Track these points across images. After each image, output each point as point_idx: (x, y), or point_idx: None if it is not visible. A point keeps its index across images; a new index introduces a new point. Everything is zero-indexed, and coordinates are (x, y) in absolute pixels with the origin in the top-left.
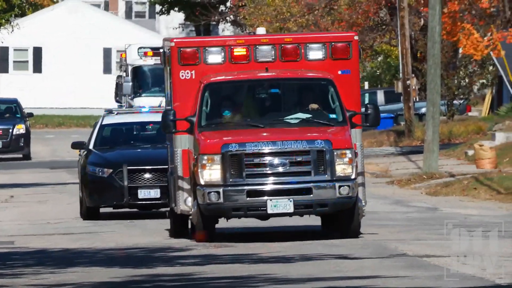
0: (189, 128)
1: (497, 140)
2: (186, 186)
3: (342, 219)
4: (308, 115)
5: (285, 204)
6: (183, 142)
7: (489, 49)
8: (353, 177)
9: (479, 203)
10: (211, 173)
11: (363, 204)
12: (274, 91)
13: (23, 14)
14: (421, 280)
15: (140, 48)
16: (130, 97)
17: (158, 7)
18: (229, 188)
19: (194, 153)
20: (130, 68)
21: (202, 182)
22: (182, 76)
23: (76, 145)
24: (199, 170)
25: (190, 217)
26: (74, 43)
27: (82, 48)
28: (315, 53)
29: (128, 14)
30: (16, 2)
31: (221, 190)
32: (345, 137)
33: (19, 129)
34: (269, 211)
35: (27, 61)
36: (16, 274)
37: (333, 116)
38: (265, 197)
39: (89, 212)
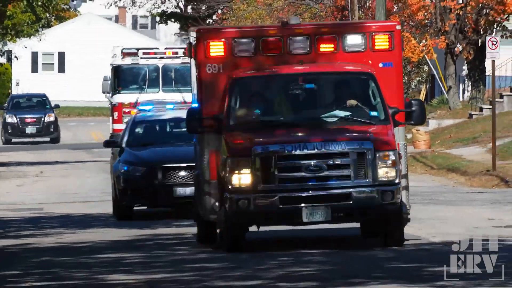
0: (216, 128)
1: (431, 126)
2: (214, 190)
3: (384, 226)
4: (347, 113)
5: (322, 212)
6: (210, 142)
7: (424, 53)
8: (396, 181)
9: (416, 176)
10: (240, 177)
11: (407, 208)
12: (310, 86)
13: (49, 25)
14: None
15: (123, 49)
16: (109, 94)
17: (158, 18)
18: (260, 194)
19: (222, 155)
20: (111, 67)
21: (230, 188)
22: (209, 70)
23: (108, 144)
24: (227, 175)
25: (217, 225)
26: (90, 48)
27: (97, 52)
28: (354, 44)
29: (134, 26)
30: (43, 16)
31: (251, 196)
32: (388, 137)
33: (50, 117)
34: (304, 219)
35: (53, 63)
36: (45, 234)
37: (374, 113)
38: (300, 204)
39: (123, 211)
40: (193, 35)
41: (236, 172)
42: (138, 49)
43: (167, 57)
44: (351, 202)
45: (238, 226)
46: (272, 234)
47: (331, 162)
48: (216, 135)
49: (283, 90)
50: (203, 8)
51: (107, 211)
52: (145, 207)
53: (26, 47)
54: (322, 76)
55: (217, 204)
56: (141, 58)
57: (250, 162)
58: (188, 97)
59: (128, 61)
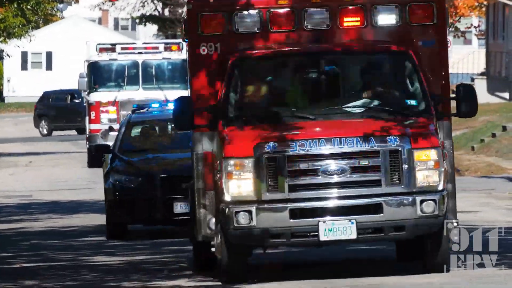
0: (211, 122)
1: None
2: (209, 202)
3: (425, 245)
4: (376, 102)
5: (345, 228)
6: (204, 141)
7: None
8: (440, 187)
9: None
10: (240, 184)
11: (455, 225)
12: (330, 68)
13: (38, 27)
14: None
15: (98, 44)
16: (86, 92)
17: (137, 21)
18: (266, 206)
19: (218, 156)
20: (86, 64)
21: (227, 198)
22: (204, 50)
23: (99, 148)
24: (223, 181)
25: (213, 249)
26: (76, 48)
27: (82, 51)
28: (387, 16)
29: (116, 27)
30: (32, 18)
31: (253, 208)
32: (429, 131)
33: None
34: (322, 237)
35: (41, 62)
36: (34, 219)
37: (411, 102)
38: (317, 218)
39: (114, 229)
40: (186, 7)
41: (235, 177)
42: (115, 44)
43: (146, 52)
44: (382, 214)
45: (238, 249)
46: (289, 254)
47: (357, 164)
48: (212, 131)
49: (296, 74)
50: (180, 11)
51: (93, 198)
52: (139, 225)
53: (18, 46)
54: (345, 56)
55: (213, 220)
56: (119, 53)
57: (253, 164)
58: (170, 95)
59: (105, 56)
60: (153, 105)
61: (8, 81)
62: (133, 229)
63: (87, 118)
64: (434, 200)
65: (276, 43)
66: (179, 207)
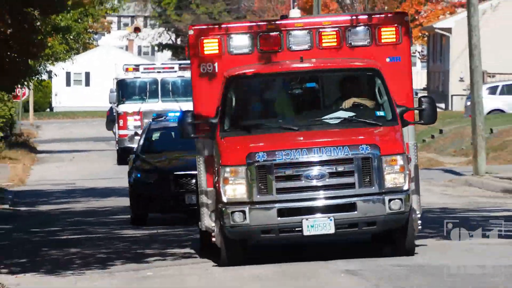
0: (210, 133)
1: None
2: (210, 200)
3: (393, 236)
4: (351, 114)
5: (325, 224)
6: (206, 148)
7: None
8: (405, 188)
9: None
10: (235, 188)
11: (418, 215)
12: (311, 85)
13: (78, 53)
14: None
15: (124, 65)
16: (115, 104)
17: (156, 48)
18: (257, 206)
19: (216, 163)
20: (115, 81)
21: (224, 200)
22: (204, 69)
23: (124, 150)
24: (221, 185)
25: (213, 239)
26: (107, 69)
27: (112, 71)
28: (359, 38)
29: (139, 53)
30: (74, 46)
31: (247, 208)
32: (395, 139)
33: None
34: (305, 232)
35: (81, 80)
36: (76, 201)
37: (380, 113)
38: (300, 216)
39: (136, 218)
40: (188, 32)
41: (231, 182)
42: (139, 65)
43: (164, 72)
44: (356, 212)
45: (234, 241)
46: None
47: (334, 169)
48: (211, 140)
49: (282, 90)
50: None
51: (121, 185)
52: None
53: (63, 68)
54: (324, 74)
55: (214, 214)
56: (142, 72)
57: (246, 171)
58: (185, 106)
59: (130, 75)
60: (169, 114)
61: (56, 95)
62: (152, 217)
63: (116, 125)
64: (400, 199)
65: (265, 62)
66: (190, 199)
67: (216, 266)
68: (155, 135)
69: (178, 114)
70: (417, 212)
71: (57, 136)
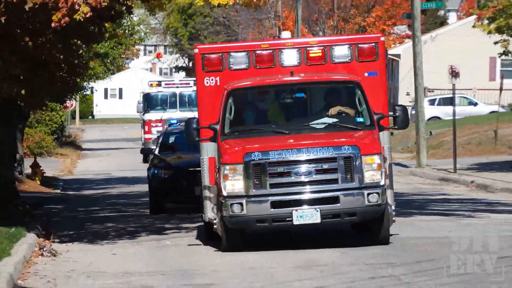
0: (213, 136)
1: None
2: (212, 194)
3: (371, 226)
4: (335, 120)
5: (312, 214)
6: (209, 150)
7: None
8: (382, 183)
9: None
10: (234, 183)
11: (392, 208)
12: (300, 95)
13: (114, 73)
14: None
15: (148, 81)
16: (141, 114)
17: (173, 70)
18: (253, 199)
19: (217, 162)
20: (141, 94)
21: (224, 193)
22: (207, 83)
23: (144, 150)
24: (221, 181)
25: (215, 227)
26: (136, 85)
27: (139, 87)
28: (341, 55)
29: (160, 73)
30: (111, 68)
31: (244, 201)
32: (373, 141)
33: None
34: (295, 222)
35: (116, 94)
36: (111, 187)
37: (360, 119)
38: (290, 208)
39: (155, 208)
40: (194, 51)
41: (230, 178)
42: (161, 81)
43: (181, 86)
44: (339, 204)
45: (233, 230)
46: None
47: (320, 167)
48: (213, 142)
49: (275, 100)
50: None
51: (146, 175)
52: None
53: (102, 85)
54: (311, 86)
55: (215, 207)
56: (163, 87)
57: (243, 168)
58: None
59: (154, 89)
60: (172, 120)
61: (96, 105)
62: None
63: (142, 130)
64: (377, 193)
65: (260, 76)
66: (199, 191)
67: (217, 251)
68: (171, 138)
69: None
70: (391, 206)
71: (97, 137)
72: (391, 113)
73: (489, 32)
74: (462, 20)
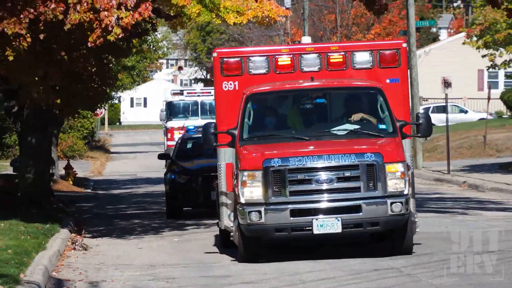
0: (231, 142)
1: None
2: (229, 201)
3: (393, 236)
4: (356, 126)
5: (333, 224)
6: (226, 155)
7: None
8: (405, 192)
9: None
10: (252, 190)
11: (415, 218)
12: (320, 101)
13: (139, 84)
14: None
15: (171, 90)
16: (164, 121)
17: (193, 81)
18: (272, 206)
19: (235, 168)
20: (164, 103)
21: (242, 201)
22: (225, 87)
23: (161, 156)
24: (239, 188)
25: (231, 234)
26: (159, 95)
27: (162, 97)
28: (363, 61)
29: (181, 84)
30: (137, 79)
31: (262, 209)
32: (396, 149)
33: None
34: (315, 231)
35: (141, 103)
36: (137, 187)
37: (382, 126)
38: (311, 216)
39: (172, 212)
40: (213, 55)
41: (248, 185)
42: (183, 90)
43: (203, 95)
44: (361, 213)
45: (250, 238)
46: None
47: (341, 174)
48: (232, 148)
49: (294, 105)
50: None
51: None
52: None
53: (128, 95)
54: (332, 92)
55: (232, 214)
56: (185, 96)
57: (262, 175)
58: None
59: (176, 98)
60: (189, 127)
61: (123, 113)
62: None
63: (165, 137)
64: (401, 202)
65: (280, 81)
66: (214, 196)
67: (234, 260)
68: (188, 144)
69: None
70: (415, 215)
71: (123, 142)
72: (414, 120)
73: (478, 48)
74: (452, 36)
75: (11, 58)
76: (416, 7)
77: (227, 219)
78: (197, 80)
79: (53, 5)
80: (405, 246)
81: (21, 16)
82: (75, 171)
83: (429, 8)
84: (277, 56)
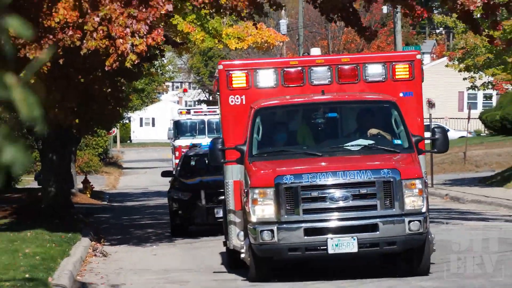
0: (239, 158)
1: None
2: (238, 219)
3: (410, 255)
4: (371, 142)
5: (348, 243)
6: (234, 172)
7: None
8: (423, 210)
9: None
10: (264, 208)
11: (433, 237)
12: (332, 115)
13: (148, 105)
14: None
15: (178, 109)
16: (172, 140)
17: (197, 102)
18: (284, 225)
19: (245, 186)
20: (172, 122)
21: (254, 219)
22: (232, 101)
23: (165, 174)
24: (250, 206)
25: (242, 255)
26: (166, 115)
27: (169, 116)
28: (375, 74)
29: (185, 105)
30: (146, 101)
31: (275, 228)
32: (414, 165)
33: None
34: (330, 251)
35: (149, 122)
36: (149, 199)
37: (398, 142)
38: (326, 235)
39: (176, 229)
40: (218, 67)
41: (260, 202)
42: (190, 109)
43: (209, 114)
44: (378, 232)
45: (262, 258)
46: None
47: (357, 192)
48: (240, 164)
49: (305, 120)
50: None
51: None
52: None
53: (138, 115)
54: (344, 106)
55: (242, 233)
56: (192, 115)
57: (274, 193)
58: None
59: (183, 117)
60: (203, 144)
61: (133, 132)
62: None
63: (173, 155)
64: (419, 221)
65: (289, 95)
66: (218, 212)
67: (245, 280)
68: (191, 161)
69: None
70: (432, 235)
71: (134, 158)
72: (429, 135)
73: (460, 70)
74: (435, 60)
75: (32, 81)
76: (402, 33)
77: (235, 238)
78: (200, 102)
79: (70, 32)
80: (422, 267)
81: (42, 42)
82: (92, 185)
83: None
84: (285, 69)
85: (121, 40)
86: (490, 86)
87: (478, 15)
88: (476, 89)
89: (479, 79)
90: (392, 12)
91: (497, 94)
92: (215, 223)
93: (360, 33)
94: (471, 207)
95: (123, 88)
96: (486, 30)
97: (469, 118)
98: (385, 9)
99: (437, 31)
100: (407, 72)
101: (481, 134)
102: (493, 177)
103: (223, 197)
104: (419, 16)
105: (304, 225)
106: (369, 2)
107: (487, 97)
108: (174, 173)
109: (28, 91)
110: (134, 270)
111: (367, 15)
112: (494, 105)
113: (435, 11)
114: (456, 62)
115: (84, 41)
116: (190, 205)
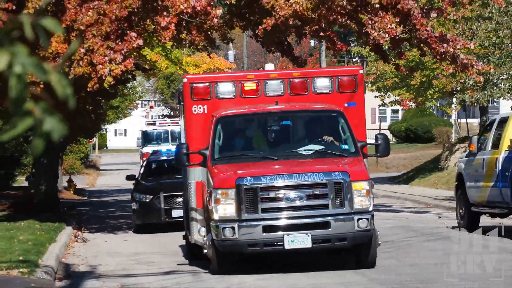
0: (202, 161)
1: None
2: (200, 217)
3: (358, 250)
4: (321, 147)
5: (303, 239)
6: (196, 174)
7: None
8: (370, 209)
9: None
10: (226, 207)
11: (378, 233)
12: (285, 123)
13: (121, 118)
14: None
15: (146, 121)
16: (140, 147)
17: (161, 117)
18: (245, 223)
19: (208, 186)
20: (140, 132)
21: (216, 217)
22: (195, 110)
23: (129, 177)
24: (213, 205)
25: (205, 250)
26: (136, 127)
27: (138, 127)
28: (323, 86)
29: (152, 119)
30: (120, 115)
31: (236, 225)
32: (361, 168)
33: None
34: (286, 246)
35: (122, 133)
36: (122, 195)
37: (345, 147)
38: (282, 232)
39: (138, 228)
40: (183, 80)
41: (222, 202)
42: (155, 121)
43: (173, 125)
44: (330, 229)
45: (223, 253)
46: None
47: (310, 192)
48: (202, 167)
49: (261, 127)
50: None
51: None
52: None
53: (113, 127)
54: (296, 114)
55: (203, 229)
56: (158, 126)
57: (235, 193)
58: None
59: (150, 128)
60: (162, 150)
61: (109, 140)
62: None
63: (141, 161)
64: (367, 219)
65: (247, 105)
66: (176, 213)
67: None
68: (153, 166)
69: (169, 150)
70: (377, 231)
71: (110, 161)
72: (372, 141)
73: (372, 91)
74: None
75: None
76: (326, 61)
77: (197, 234)
78: (164, 116)
79: (61, 61)
80: (370, 260)
81: None
82: (75, 183)
83: (335, 63)
84: (243, 82)
85: (100, 66)
86: (396, 103)
87: (387, 48)
88: (386, 105)
89: (387, 98)
90: (318, 45)
91: (402, 110)
92: (173, 222)
93: (293, 61)
94: (382, 201)
95: (102, 105)
96: (393, 59)
97: (380, 129)
98: (312, 42)
99: (354, 59)
100: (351, 85)
101: (390, 142)
102: (400, 177)
103: (179, 199)
104: (339, 49)
105: (262, 222)
106: (300, 37)
107: (394, 111)
108: (137, 176)
109: (61, 75)
110: (109, 253)
111: (298, 47)
112: (400, 119)
113: (352, 44)
114: (370, 85)
115: (72, 68)
116: (150, 206)
